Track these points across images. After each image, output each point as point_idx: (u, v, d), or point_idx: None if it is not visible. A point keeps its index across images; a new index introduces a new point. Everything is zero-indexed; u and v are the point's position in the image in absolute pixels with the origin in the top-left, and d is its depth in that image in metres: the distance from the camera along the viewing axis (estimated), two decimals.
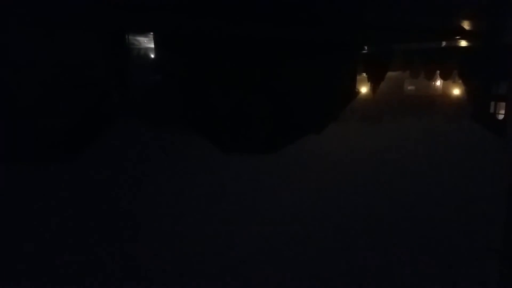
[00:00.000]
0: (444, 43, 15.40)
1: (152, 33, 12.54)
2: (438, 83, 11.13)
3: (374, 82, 10.15)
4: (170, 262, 3.18)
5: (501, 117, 8.35)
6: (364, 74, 10.93)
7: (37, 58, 9.54)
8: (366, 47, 14.51)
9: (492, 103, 9.27)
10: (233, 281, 2.97)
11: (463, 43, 14.98)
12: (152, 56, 11.73)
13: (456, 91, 10.31)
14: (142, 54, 11.75)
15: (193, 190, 4.24)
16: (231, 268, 3.10)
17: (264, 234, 3.54)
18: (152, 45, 12.13)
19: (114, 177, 4.49)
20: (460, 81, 11.12)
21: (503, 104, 8.96)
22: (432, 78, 11.41)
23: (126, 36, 12.61)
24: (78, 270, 3.02)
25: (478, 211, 4.20)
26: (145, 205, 3.92)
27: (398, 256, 3.37)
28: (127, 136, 5.79)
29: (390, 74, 11.53)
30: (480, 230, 3.82)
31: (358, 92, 9.23)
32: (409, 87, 10.79)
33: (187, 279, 3.00)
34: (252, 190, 4.26)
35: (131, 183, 4.35)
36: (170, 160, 5.00)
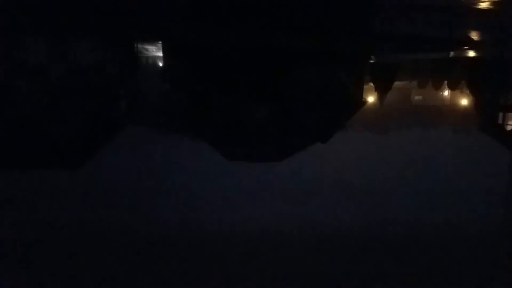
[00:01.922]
0: (452, 53, 15.39)
1: (160, 42, 12.71)
2: (446, 93, 11.10)
3: (381, 92, 10.14)
4: (173, 264, 3.18)
5: (509, 127, 8.29)
6: (371, 84, 10.94)
7: (47, 65, 9.69)
8: (373, 57, 14.55)
9: (501, 114, 9.20)
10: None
11: (471, 54, 14.95)
12: (160, 64, 11.87)
13: (464, 102, 10.25)
14: (150, 62, 11.90)
15: (199, 195, 4.25)
16: (233, 273, 3.09)
17: (267, 241, 3.54)
18: (161, 54, 12.28)
19: (121, 181, 4.52)
20: (468, 92, 11.08)
21: (511, 115, 8.90)
22: (439, 88, 11.39)
23: (135, 45, 12.79)
24: (83, 273, 3.04)
25: (485, 222, 4.16)
26: (151, 210, 3.94)
27: (401, 266, 3.34)
28: (135, 141, 5.84)
29: (397, 84, 11.53)
30: (488, 243, 3.77)
31: (365, 102, 9.22)
32: (417, 97, 10.76)
33: (188, 283, 3.00)
34: (257, 198, 4.26)
35: (138, 187, 4.37)
36: (176, 165, 5.03)
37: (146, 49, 12.45)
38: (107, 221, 3.66)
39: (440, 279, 3.17)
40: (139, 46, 12.69)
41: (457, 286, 3.15)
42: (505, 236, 3.94)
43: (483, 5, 13.91)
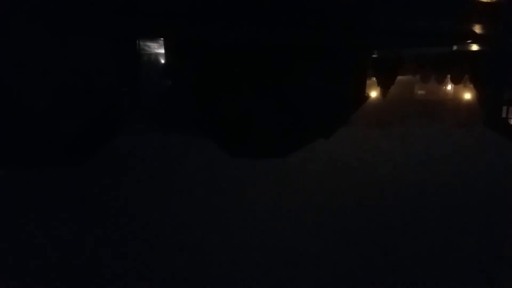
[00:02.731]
0: (455, 48, 15.30)
1: (162, 39, 12.69)
2: (449, 87, 11.06)
3: (384, 87, 10.11)
4: (175, 264, 3.20)
5: None
6: (374, 79, 10.91)
7: (50, 63, 9.70)
8: (376, 52, 14.49)
9: (504, 108, 9.16)
10: (235, 286, 2.98)
11: (474, 48, 14.87)
12: (162, 61, 11.86)
13: (467, 96, 10.21)
14: (152, 60, 11.89)
15: (202, 193, 4.26)
16: (234, 272, 3.11)
17: (270, 238, 3.55)
18: (163, 51, 12.27)
19: (124, 180, 4.53)
20: (471, 86, 11.03)
21: None
22: (442, 82, 11.34)
23: (137, 42, 12.78)
24: (83, 273, 3.05)
25: (490, 217, 4.15)
26: (153, 208, 3.95)
27: (407, 265, 3.34)
28: (137, 139, 5.85)
29: (400, 78, 11.49)
30: (494, 238, 3.77)
31: (368, 97, 9.20)
32: (420, 92, 10.72)
33: (191, 282, 3.01)
34: (260, 194, 4.27)
35: (140, 186, 4.38)
36: (179, 163, 5.04)
37: (148, 46, 12.44)
38: (107, 221, 3.67)
39: (440, 276, 3.17)
40: (141, 43, 12.68)
41: (455, 284, 3.15)
42: (507, 233, 3.92)
43: None
